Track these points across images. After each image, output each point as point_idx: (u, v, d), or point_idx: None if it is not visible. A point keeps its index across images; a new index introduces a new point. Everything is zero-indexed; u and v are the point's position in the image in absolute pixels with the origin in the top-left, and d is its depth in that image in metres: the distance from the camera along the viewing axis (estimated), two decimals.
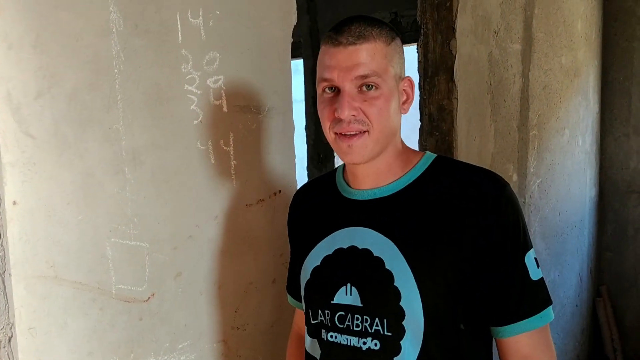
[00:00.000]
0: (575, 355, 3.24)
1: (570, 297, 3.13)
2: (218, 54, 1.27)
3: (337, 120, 0.93)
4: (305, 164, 4.53)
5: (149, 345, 1.19)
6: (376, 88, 0.92)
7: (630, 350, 3.50)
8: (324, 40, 0.96)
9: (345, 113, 0.91)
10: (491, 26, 2.21)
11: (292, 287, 1.19)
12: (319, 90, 0.98)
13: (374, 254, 0.96)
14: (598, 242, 3.54)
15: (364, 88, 0.92)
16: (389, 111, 0.94)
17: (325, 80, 0.95)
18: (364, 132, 0.93)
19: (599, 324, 3.51)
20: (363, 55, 0.92)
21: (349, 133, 0.93)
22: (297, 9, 1.46)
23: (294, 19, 1.45)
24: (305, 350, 1.08)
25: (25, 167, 0.99)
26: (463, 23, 2.02)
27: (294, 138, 1.49)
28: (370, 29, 0.93)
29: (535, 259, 0.96)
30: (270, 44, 1.39)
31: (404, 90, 0.99)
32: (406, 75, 1.01)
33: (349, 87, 0.92)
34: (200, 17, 1.23)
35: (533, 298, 0.94)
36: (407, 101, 1.00)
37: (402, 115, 1.01)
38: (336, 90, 0.94)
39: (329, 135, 0.97)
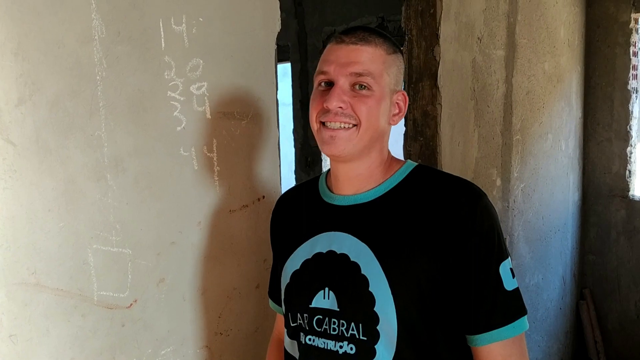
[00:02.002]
0: (559, 357, 3.28)
1: (553, 300, 3.17)
2: (201, 61, 1.27)
3: (325, 111, 0.96)
4: (293, 168, 4.54)
5: (132, 352, 1.19)
6: (368, 89, 0.96)
7: (612, 352, 3.54)
8: (330, 40, 1.01)
9: (333, 103, 0.95)
10: (474, 33, 2.24)
11: (274, 291, 1.20)
12: (315, 84, 1.01)
13: (351, 259, 0.97)
14: (581, 246, 3.58)
15: (357, 87, 0.96)
16: (378, 112, 0.97)
17: (322, 72, 0.99)
18: (353, 125, 0.96)
19: (582, 327, 3.55)
20: (362, 55, 0.96)
21: (333, 124, 0.96)
22: (286, 13, 1.48)
23: (277, 26, 1.46)
24: (285, 349, 1.09)
25: (6, 174, 0.99)
26: (447, 30, 2.05)
27: (281, 142, 1.50)
28: (374, 36, 0.98)
29: (511, 269, 0.96)
30: (254, 51, 1.40)
31: (397, 103, 1.02)
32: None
33: (342, 81, 0.96)
34: (184, 24, 1.23)
35: (506, 308, 0.94)
36: (399, 114, 1.03)
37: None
38: (330, 85, 0.98)
39: (314, 125, 1.00)
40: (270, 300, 1.24)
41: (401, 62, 1.03)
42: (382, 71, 0.97)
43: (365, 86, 0.95)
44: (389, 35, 1.02)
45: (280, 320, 1.22)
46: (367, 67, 0.95)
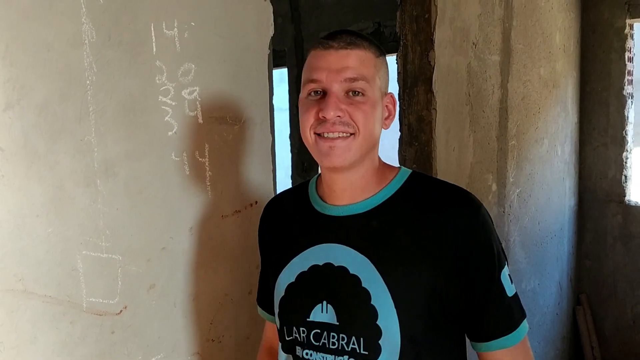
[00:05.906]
0: None
1: (550, 306, 3.16)
2: (193, 65, 1.26)
3: (321, 121, 0.92)
4: (290, 173, 4.52)
5: (121, 359, 1.17)
6: (363, 94, 0.93)
7: (609, 357, 3.53)
8: (314, 46, 0.96)
9: (331, 113, 0.90)
10: (470, 38, 2.24)
11: (263, 299, 1.17)
12: (302, 94, 0.97)
13: (350, 272, 0.95)
14: (577, 251, 3.58)
15: (351, 93, 0.93)
16: (373, 118, 0.94)
17: (312, 81, 0.94)
18: (350, 134, 0.93)
19: (579, 332, 3.54)
20: (353, 60, 0.92)
21: (331, 134, 0.92)
22: (282, 18, 1.47)
23: (270, 30, 1.45)
24: None
25: None
26: (441, 34, 2.04)
27: (278, 147, 1.49)
28: (360, 40, 0.95)
29: (509, 275, 0.96)
30: (246, 55, 1.39)
31: (386, 106, 1.00)
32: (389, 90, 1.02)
33: (336, 88, 0.92)
34: (175, 29, 1.22)
35: (510, 315, 0.94)
36: (389, 117, 1.01)
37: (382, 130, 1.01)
38: (322, 94, 0.94)
39: (309, 137, 0.95)
40: (259, 307, 1.21)
41: (386, 64, 1.01)
42: (375, 74, 0.94)
43: (359, 92, 0.92)
44: (374, 40, 1.00)
45: (269, 327, 1.20)
46: (361, 71, 0.92)
